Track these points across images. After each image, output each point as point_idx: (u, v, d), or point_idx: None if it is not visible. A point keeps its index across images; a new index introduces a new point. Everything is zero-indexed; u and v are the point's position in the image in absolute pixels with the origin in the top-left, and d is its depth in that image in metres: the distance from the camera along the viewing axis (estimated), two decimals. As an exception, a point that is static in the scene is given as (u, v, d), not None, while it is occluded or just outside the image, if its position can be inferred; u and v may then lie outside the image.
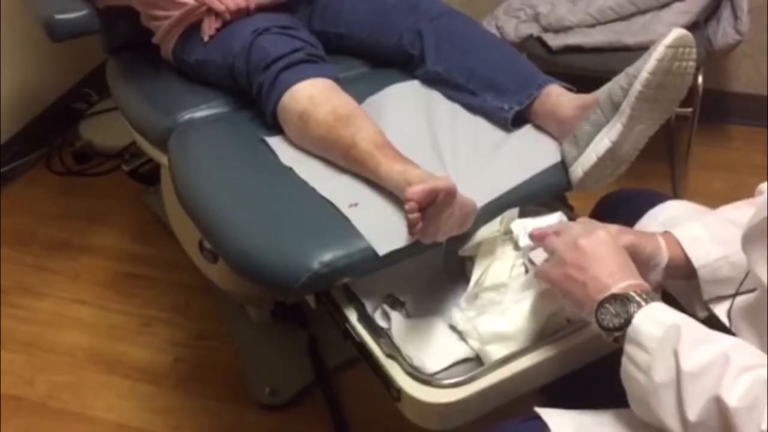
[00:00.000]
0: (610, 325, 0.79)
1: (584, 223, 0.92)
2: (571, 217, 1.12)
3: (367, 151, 1.09)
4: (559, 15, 1.88)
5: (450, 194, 0.92)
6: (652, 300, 0.79)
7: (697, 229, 0.94)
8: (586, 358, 0.96)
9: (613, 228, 0.92)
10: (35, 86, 2.29)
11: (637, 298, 0.78)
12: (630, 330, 0.77)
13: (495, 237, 1.05)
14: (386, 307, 1.01)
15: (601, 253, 0.84)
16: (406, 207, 0.89)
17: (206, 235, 1.14)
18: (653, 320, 0.76)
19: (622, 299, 0.79)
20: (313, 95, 1.18)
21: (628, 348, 0.77)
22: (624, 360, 0.78)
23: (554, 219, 1.04)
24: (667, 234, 0.95)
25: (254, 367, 1.60)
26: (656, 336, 0.75)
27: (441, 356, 0.95)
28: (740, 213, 0.88)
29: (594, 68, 1.81)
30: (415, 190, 0.89)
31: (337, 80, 1.24)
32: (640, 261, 0.91)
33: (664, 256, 0.92)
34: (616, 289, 0.80)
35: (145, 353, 1.67)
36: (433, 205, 0.90)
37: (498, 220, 1.06)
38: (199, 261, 1.44)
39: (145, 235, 2.00)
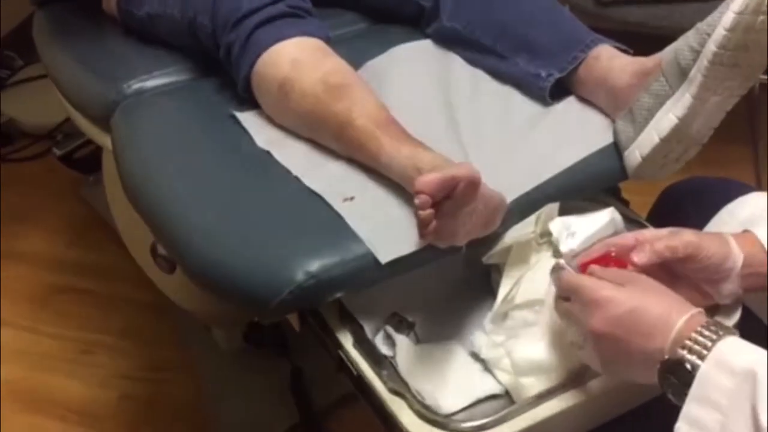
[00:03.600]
0: (684, 396, 0.78)
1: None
2: (626, 215, 1.12)
3: (366, 130, 1.09)
4: (611, -44, 1.88)
5: (472, 185, 0.92)
6: (715, 334, 0.77)
7: None
8: (643, 397, 0.96)
9: (662, 231, 0.92)
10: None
11: (697, 348, 0.77)
12: (695, 386, 0.76)
13: (529, 240, 1.05)
14: (390, 330, 1.01)
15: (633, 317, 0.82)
16: (416, 201, 0.89)
17: (160, 238, 1.14)
18: (724, 369, 0.75)
19: (679, 363, 0.78)
20: (297, 59, 1.18)
21: (692, 409, 0.76)
22: (683, 427, 0.77)
23: (604, 218, 1.03)
24: (746, 234, 0.95)
25: (222, 407, 1.60)
26: (727, 388, 0.74)
27: (460, 392, 0.95)
28: None
29: (656, 24, 1.81)
30: (427, 180, 0.88)
31: (327, 40, 1.24)
32: (706, 268, 0.91)
33: (737, 258, 0.92)
34: (668, 350, 0.79)
35: (84, 388, 1.67)
36: (451, 198, 0.90)
37: (533, 218, 1.06)
38: (152, 271, 1.44)
39: (83, 238, 2.00)
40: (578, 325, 0.88)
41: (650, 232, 0.95)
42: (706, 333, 0.78)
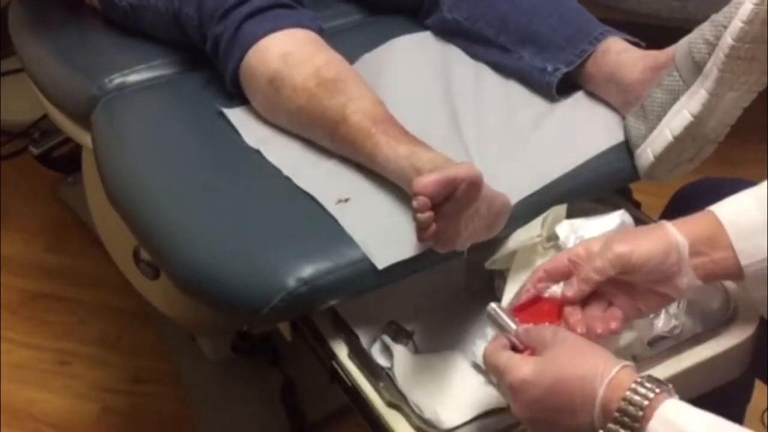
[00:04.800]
0: None
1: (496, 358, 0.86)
2: (638, 217, 1.12)
3: (362, 127, 1.09)
4: (621, -57, 1.89)
5: (473, 186, 0.92)
6: (645, 398, 0.76)
7: (747, 205, 0.89)
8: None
9: (594, 245, 0.89)
10: None
11: (627, 420, 0.75)
12: None
13: (535, 245, 1.05)
14: (387, 339, 1.01)
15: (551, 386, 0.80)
16: (415, 203, 0.89)
17: (143, 242, 1.14)
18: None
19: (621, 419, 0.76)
20: (289, 52, 1.18)
21: None
22: None
23: (615, 221, 1.04)
24: (705, 216, 0.90)
25: (209, 420, 1.60)
26: None
27: (461, 406, 0.95)
28: None
29: (669, 15, 1.81)
30: (426, 181, 0.89)
31: (320, 32, 1.24)
32: (649, 272, 0.87)
33: (682, 248, 0.87)
34: (599, 424, 0.78)
35: (61, 401, 1.67)
36: (451, 200, 0.91)
37: (539, 221, 1.06)
38: (135, 276, 1.44)
39: (61, 242, 1.99)
40: None
41: (583, 247, 0.90)
42: (636, 399, 0.76)
